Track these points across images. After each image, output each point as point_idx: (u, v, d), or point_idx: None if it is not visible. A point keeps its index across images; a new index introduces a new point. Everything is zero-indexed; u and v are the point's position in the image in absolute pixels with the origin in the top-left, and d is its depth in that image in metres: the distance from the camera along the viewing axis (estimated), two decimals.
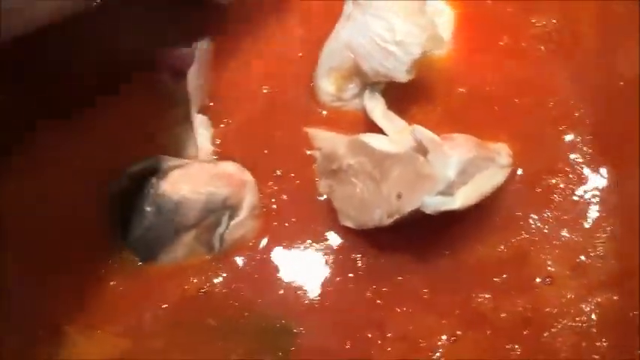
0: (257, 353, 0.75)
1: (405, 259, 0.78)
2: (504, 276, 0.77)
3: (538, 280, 0.77)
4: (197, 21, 0.89)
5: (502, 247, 0.79)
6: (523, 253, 0.78)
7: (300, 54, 0.89)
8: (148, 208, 0.76)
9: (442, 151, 0.70)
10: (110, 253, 0.79)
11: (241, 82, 0.88)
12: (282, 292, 0.78)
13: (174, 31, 0.87)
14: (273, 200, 0.82)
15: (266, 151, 0.84)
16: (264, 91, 0.87)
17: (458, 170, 0.70)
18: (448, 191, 0.70)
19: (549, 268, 0.77)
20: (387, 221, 0.74)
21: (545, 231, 0.79)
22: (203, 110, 0.85)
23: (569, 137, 0.82)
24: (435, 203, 0.70)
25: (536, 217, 0.79)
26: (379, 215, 0.75)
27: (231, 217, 0.78)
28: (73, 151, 0.83)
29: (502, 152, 0.79)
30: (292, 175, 0.83)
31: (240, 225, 0.79)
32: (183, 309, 0.77)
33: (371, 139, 0.78)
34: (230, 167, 0.79)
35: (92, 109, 0.84)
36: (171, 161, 0.79)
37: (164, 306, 0.77)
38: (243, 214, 0.78)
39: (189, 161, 0.80)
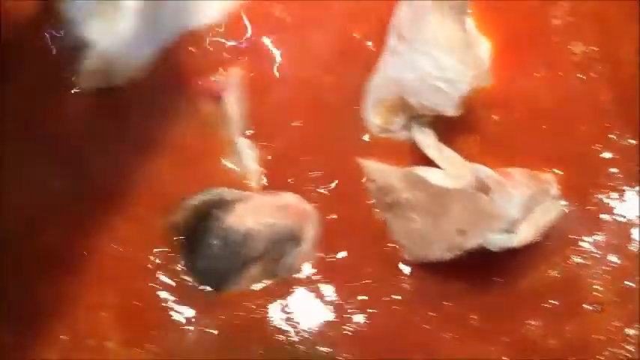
0: None
1: (453, 283, 0.80)
2: (554, 302, 0.80)
3: (587, 306, 0.80)
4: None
5: (554, 272, 0.81)
6: (574, 278, 0.81)
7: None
8: (215, 241, 0.78)
9: (506, 190, 0.72)
10: (164, 273, 0.80)
11: (283, 108, 0.87)
12: (327, 316, 0.79)
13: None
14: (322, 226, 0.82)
15: (313, 175, 0.84)
16: (299, 123, 0.87)
17: (521, 209, 0.72)
18: (510, 228, 0.73)
19: (597, 293, 0.80)
20: (448, 256, 0.76)
21: (595, 254, 0.81)
22: (244, 133, 0.86)
23: (608, 157, 0.85)
24: (498, 241, 0.73)
25: (588, 239, 0.81)
26: (440, 250, 0.77)
27: (294, 248, 0.80)
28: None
29: (552, 183, 0.82)
30: (342, 200, 0.84)
31: (303, 255, 0.80)
32: (230, 334, 0.78)
33: (427, 173, 0.80)
34: (291, 198, 0.81)
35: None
36: (233, 194, 0.80)
37: (211, 331, 0.78)
38: (306, 244, 0.80)
39: (250, 193, 0.81)
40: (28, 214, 0.81)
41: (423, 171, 0.80)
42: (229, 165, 0.84)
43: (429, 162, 0.83)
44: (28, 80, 0.86)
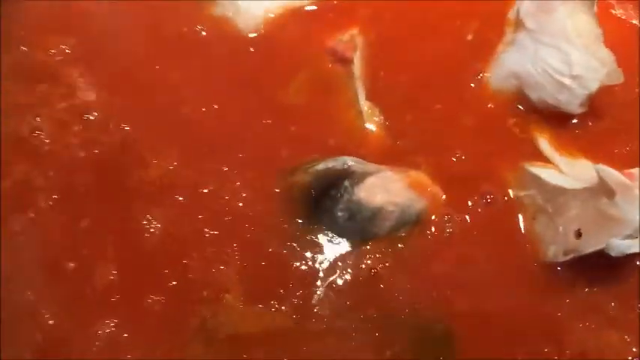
0: (414, 354, 0.73)
1: (592, 270, 0.75)
2: None
3: None
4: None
5: None
6: None
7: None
8: (341, 213, 0.77)
9: (633, 194, 0.69)
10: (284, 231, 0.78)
11: (401, 82, 0.86)
12: (448, 292, 0.76)
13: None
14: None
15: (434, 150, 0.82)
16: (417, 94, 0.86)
17: None
18: (634, 234, 0.70)
19: None
20: (563, 258, 0.74)
21: None
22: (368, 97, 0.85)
23: None
24: (621, 246, 0.69)
25: None
26: (554, 251, 0.75)
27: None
28: None
29: None
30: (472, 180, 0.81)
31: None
32: (349, 293, 0.76)
33: (541, 172, 0.78)
34: (423, 178, 0.79)
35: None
36: (362, 165, 0.78)
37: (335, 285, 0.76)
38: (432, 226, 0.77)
39: (378, 166, 0.79)
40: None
41: (537, 169, 0.78)
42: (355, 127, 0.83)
43: (542, 158, 0.81)
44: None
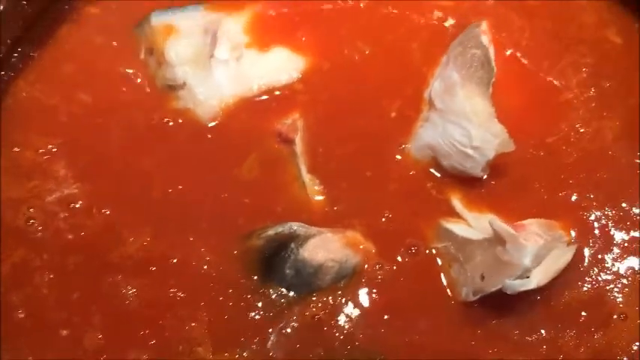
0: None
1: (498, 306, 0.90)
2: (586, 314, 0.91)
3: (615, 316, 0.92)
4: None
5: (585, 289, 0.93)
6: (602, 293, 0.93)
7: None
8: (288, 271, 0.92)
9: (519, 242, 0.85)
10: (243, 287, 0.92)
11: (337, 155, 1.02)
12: (382, 329, 0.91)
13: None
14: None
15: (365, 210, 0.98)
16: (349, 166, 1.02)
17: (533, 258, 0.86)
18: (525, 274, 0.86)
19: (622, 305, 0.92)
20: (473, 298, 0.90)
21: (619, 272, 0.94)
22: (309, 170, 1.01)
23: None
24: (514, 285, 0.85)
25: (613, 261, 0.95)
26: (465, 292, 0.91)
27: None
28: None
29: (564, 231, 0.94)
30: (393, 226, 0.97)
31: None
32: (299, 337, 0.90)
33: (453, 227, 0.95)
34: (357, 237, 0.95)
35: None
36: (305, 229, 0.94)
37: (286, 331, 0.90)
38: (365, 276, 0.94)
39: (319, 229, 0.95)
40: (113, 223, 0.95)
41: (450, 225, 0.95)
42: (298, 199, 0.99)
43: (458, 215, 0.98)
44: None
